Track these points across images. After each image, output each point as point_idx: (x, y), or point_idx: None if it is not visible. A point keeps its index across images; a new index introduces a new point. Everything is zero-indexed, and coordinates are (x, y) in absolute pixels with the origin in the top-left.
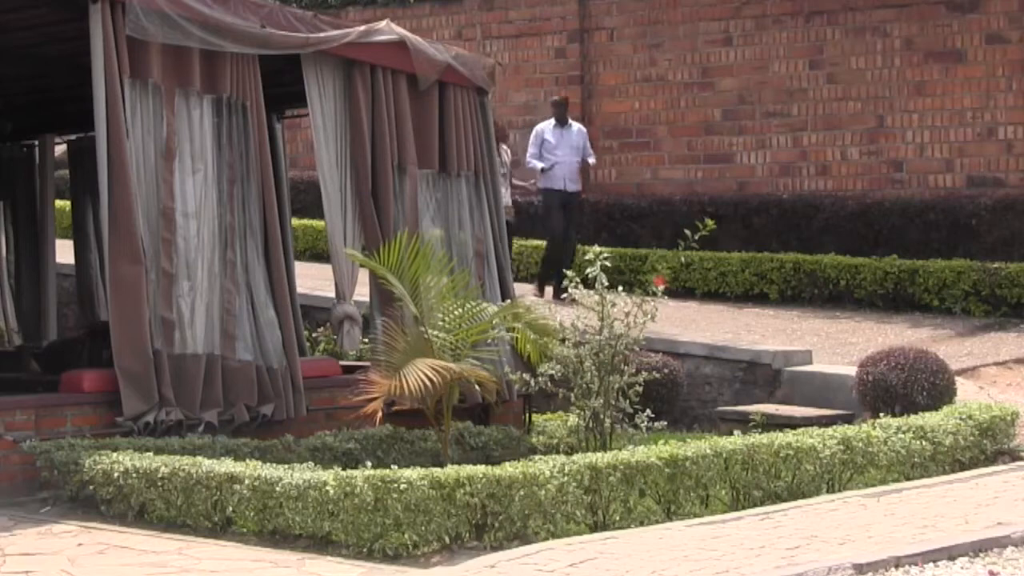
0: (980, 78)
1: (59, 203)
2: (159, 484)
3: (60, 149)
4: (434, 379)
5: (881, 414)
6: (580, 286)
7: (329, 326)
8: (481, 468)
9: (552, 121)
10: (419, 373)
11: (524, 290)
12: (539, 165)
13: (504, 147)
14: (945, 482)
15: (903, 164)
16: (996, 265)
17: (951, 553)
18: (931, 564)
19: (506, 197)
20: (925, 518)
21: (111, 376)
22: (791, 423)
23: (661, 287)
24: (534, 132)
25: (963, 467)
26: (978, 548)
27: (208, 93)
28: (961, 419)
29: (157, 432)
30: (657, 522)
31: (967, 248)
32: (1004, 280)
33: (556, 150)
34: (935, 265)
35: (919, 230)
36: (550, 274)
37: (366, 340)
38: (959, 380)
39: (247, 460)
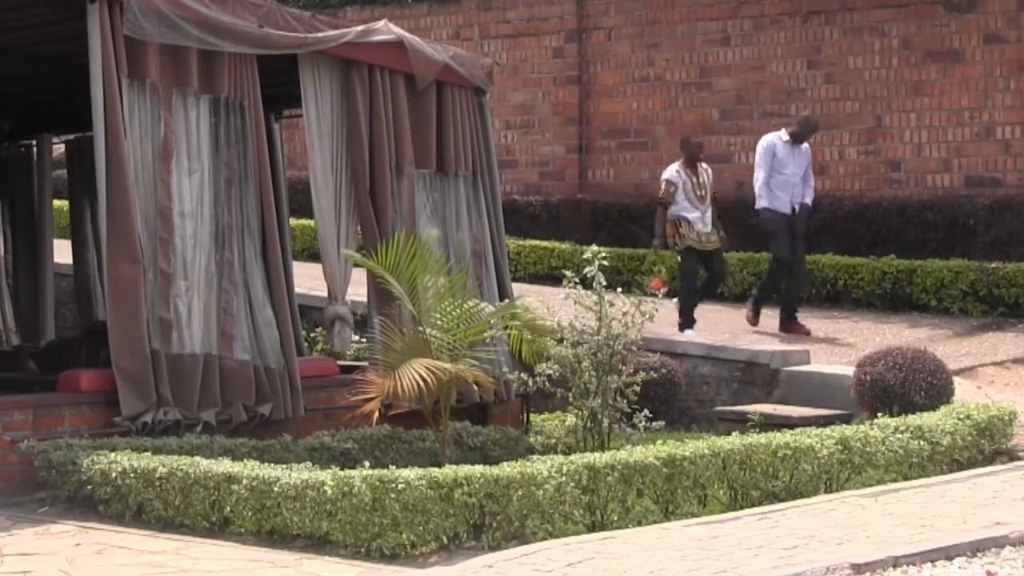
0: (978, 78)
1: (57, 203)
2: (157, 484)
3: (58, 149)
4: (429, 379)
5: (879, 414)
6: (578, 286)
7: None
8: (479, 468)
9: (784, 136)
10: (415, 373)
11: (522, 290)
12: (763, 201)
13: (703, 166)
14: (943, 482)
15: (901, 164)
16: (994, 265)
17: (949, 553)
18: (929, 564)
19: (704, 223)
20: (923, 518)
21: (109, 376)
22: (789, 423)
23: (662, 290)
24: (763, 146)
25: (961, 467)
26: (976, 548)
27: (206, 93)
28: (959, 419)
29: (155, 432)
30: (655, 522)
31: (965, 248)
32: (1002, 280)
33: (785, 168)
34: (933, 265)
35: (917, 230)
36: (766, 298)
37: (362, 340)
38: (957, 380)
39: (245, 460)
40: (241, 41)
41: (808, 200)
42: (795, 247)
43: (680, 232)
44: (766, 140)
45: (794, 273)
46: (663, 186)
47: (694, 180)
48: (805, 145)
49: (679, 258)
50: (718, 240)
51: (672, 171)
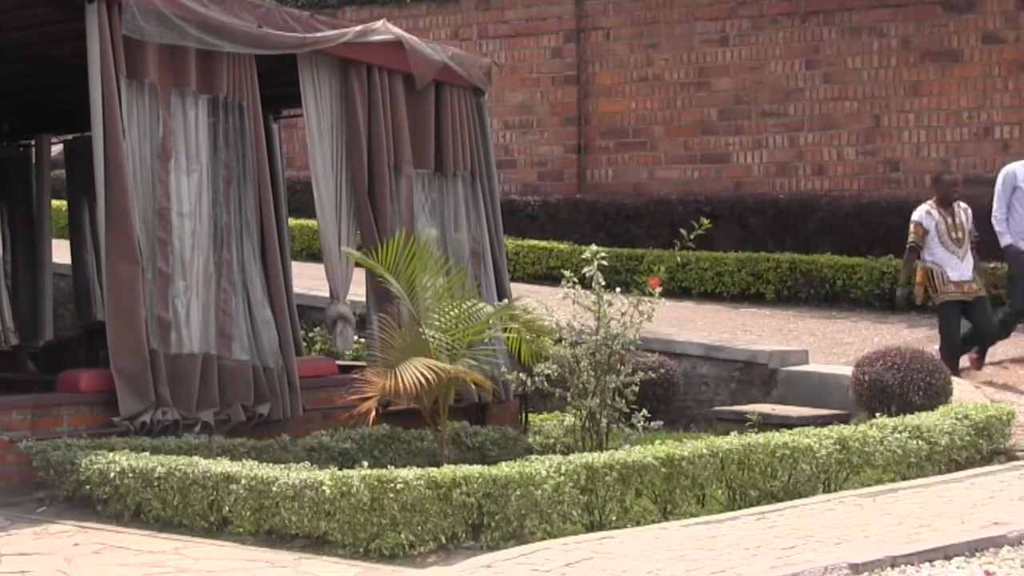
0: (976, 78)
1: (55, 203)
2: (155, 484)
3: (57, 149)
4: (429, 378)
5: (877, 414)
6: (577, 286)
7: (325, 326)
8: (477, 468)
9: None
10: (414, 373)
11: (520, 290)
12: (1007, 238)
13: (960, 204)
14: (941, 482)
15: (899, 164)
16: (992, 265)
17: (947, 553)
18: (927, 564)
19: (962, 270)
20: (921, 518)
21: (107, 376)
22: (787, 423)
23: (658, 289)
24: (1003, 176)
25: (959, 467)
26: (974, 548)
27: (204, 93)
28: (957, 419)
29: (153, 432)
30: (653, 522)
31: None
32: (1000, 280)
33: None
34: None
35: None
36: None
37: (361, 339)
38: (955, 380)
39: (243, 460)
40: (240, 41)
41: None
42: None
43: (934, 284)
44: (1006, 171)
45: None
46: (911, 228)
47: (949, 221)
48: None
49: (939, 311)
50: (980, 287)
51: (922, 212)
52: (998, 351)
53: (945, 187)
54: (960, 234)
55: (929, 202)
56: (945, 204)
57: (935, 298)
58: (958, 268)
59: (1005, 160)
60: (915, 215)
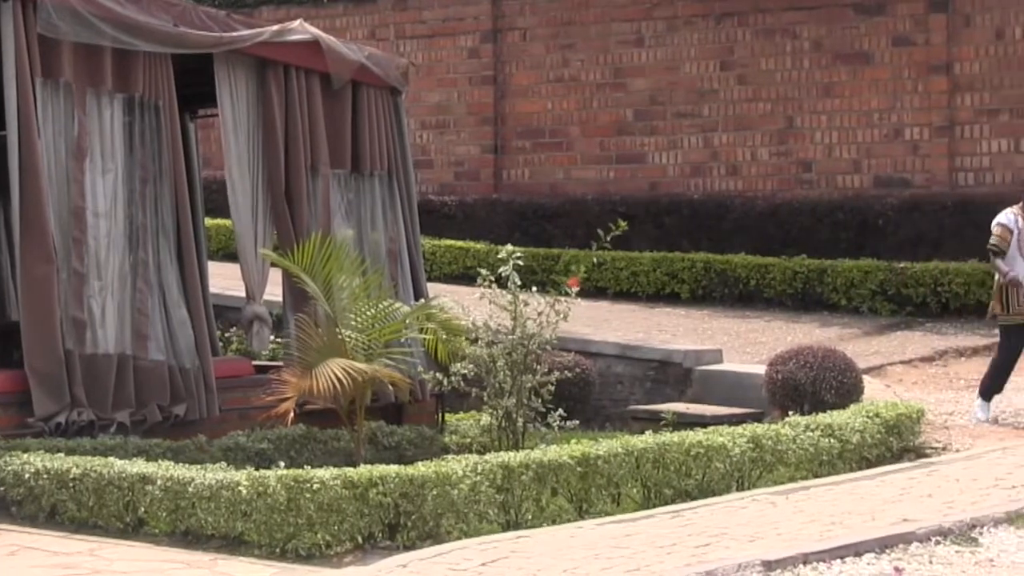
0: (887, 80)
1: None
2: (70, 485)
3: None
4: (345, 380)
5: (790, 412)
6: (493, 285)
7: (241, 326)
8: (394, 468)
9: None
10: (331, 373)
11: (437, 290)
12: None
13: (1016, 209)
14: (852, 479)
15: (812, 164)
16: (902, 265)
17: (858, 550)
18: (838, 560)
19: None
20: (833, 515)
21: (22, 376)
22: (702, 422)
23: (575, 289)
24: None
25: (870, 464)
26: (884, 544)
27: (120, 92)
28: (868, 417)
29: (68, 433)
30: (569, 521)
31: (874, 248)
32: (910, 279)
33: None
34: (843, 265)
35: (827, 230)
36: None
37: (278, 340)
38: (866, 378)
39: (159, 460)
40: (156, 40)
41: None
42: None
43: (1006, 301)
44: None
45: None
46: (995, 231)
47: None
48: None
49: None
50: None
51: (1008, 215)
52: (908, 350)
53: None
54: None
55: (1015, 207)
56: None
57: (1002, 317)
58: None
59: (915, 161)
60: (1001, 217)
